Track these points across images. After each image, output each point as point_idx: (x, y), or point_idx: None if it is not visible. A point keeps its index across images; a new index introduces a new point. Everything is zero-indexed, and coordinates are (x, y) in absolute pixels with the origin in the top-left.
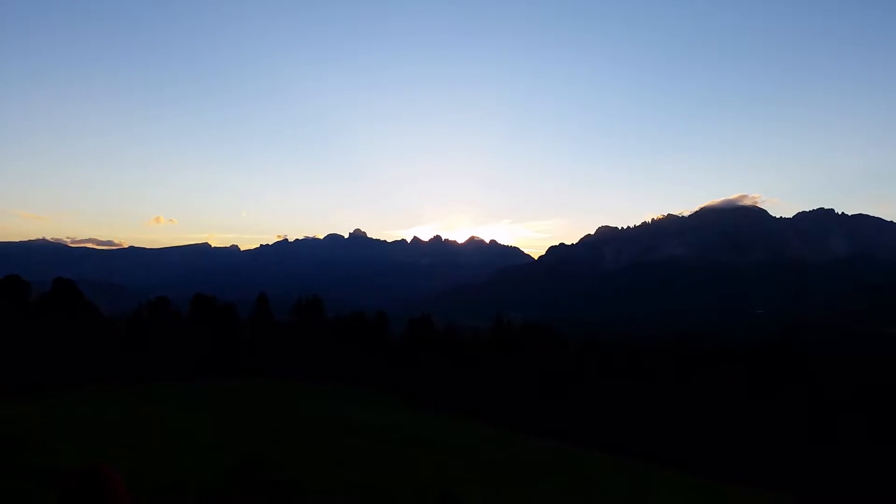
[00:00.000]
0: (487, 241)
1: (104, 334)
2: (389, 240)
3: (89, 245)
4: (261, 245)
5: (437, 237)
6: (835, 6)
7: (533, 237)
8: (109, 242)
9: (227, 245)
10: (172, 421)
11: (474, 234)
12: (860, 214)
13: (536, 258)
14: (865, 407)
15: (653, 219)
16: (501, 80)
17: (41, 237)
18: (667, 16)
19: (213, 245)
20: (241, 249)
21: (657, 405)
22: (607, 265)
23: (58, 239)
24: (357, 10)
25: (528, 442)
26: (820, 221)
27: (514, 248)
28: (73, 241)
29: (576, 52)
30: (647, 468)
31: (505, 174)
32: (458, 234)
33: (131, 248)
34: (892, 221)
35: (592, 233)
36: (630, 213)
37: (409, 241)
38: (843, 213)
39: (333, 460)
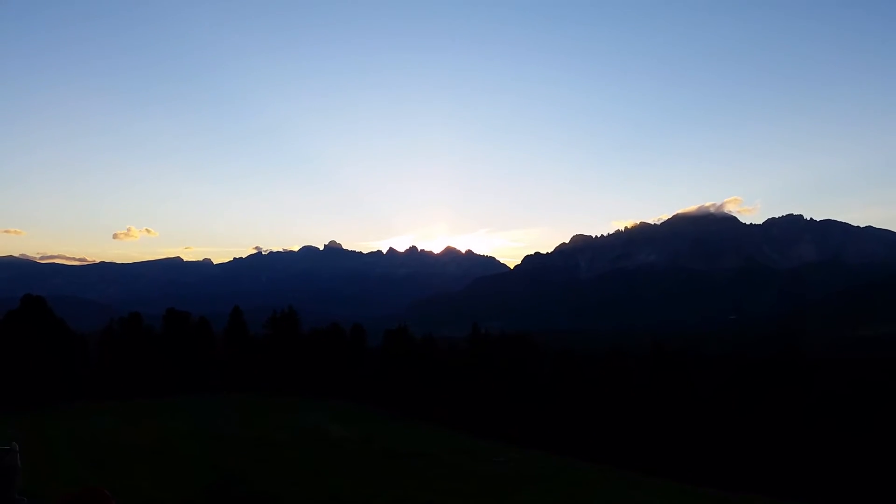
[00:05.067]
0: (464, 251)
1: (75, 351)
2: (365, 251)
3: (59, 261)
4: (234, 258)
5: (413, 248)
6: (803, 14)
7: (509, 246)
8: (81, 259)
9: (201, 258)
10: (147, 438)
11: (450, 244)
12: (828, 220)
13: (512, 267)
14: (840, 408)
15: (626, 227)
16: (474, 90)
17: (8, 254)
18: (640, 28)
19: (185, 259)
20: (215, 263)
21: (634, 413)
22: (582, 273)
23: (26, 255)
24: (330, 15)
25: (508, 452)
26: (789, 228)
27: (490, 257)
28: (43, 258)
29: (548, 61)
30: (629, 475)
31: (480, 184)
32: (434, 245)
33: (102, 263)
34: (858, 226)
35: (567, 241)
36: (604, 221)
37: (384, 251)
38: (811, 218)
39: (313, 473)
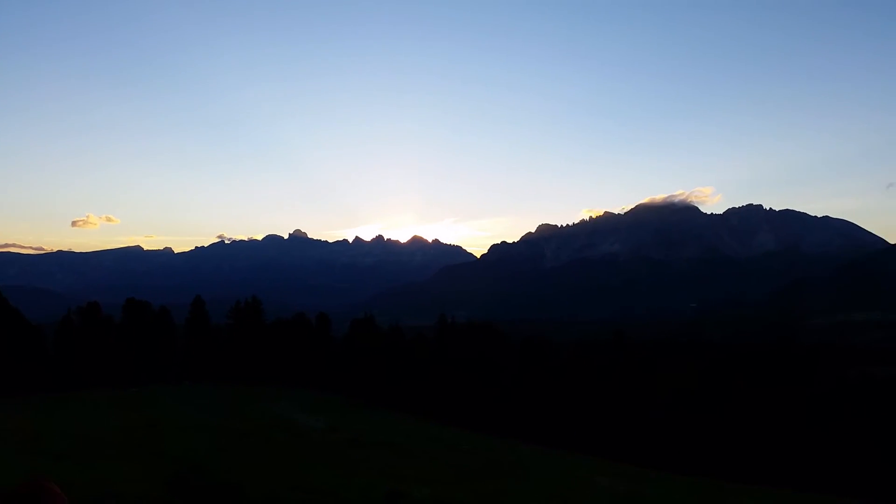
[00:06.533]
0: (430, 240)
1: (31, 342)
2: (331, 240)
3: (14, 249)
4: (196, 247)
5: (380, 237)
6: (767, 7)
7: (475, 235)
8: (38, 248)
9: (162, 247)
10: (107, 429)
11: (417, 234)
12: (787, 210)
13: (479, 257)
14: (798, 397)
15: (590, 217)
16: (441, 79)
17: None
18: (607, 19)
19: (146, 248)
20: (176, 252)
21: (600, 400)
22: (548, 262)
23: None
24: (289, 3)
25: (475, 439)
26: (749, 217)
27: (457, 246)
28: None
29: (516, 51)
30: (598, 462)
31: (447, 173)
32: (401, 234)
33: (59, 251)
34: (815, 216)
35: (533, 231)
36: (569, 210)
37: (351, 240)
38: (770, 208)
39: (277, 464)
